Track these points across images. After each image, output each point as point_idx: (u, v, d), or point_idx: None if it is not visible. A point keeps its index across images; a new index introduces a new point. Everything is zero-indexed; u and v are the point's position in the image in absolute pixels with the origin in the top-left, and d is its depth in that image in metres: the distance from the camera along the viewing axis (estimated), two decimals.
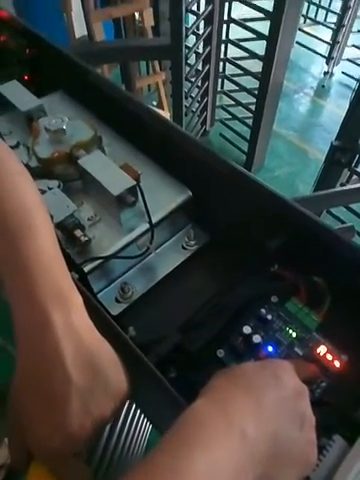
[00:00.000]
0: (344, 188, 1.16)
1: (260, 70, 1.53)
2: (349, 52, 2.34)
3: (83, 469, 0.25)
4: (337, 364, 0.32)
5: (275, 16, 1.30)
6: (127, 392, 0.26)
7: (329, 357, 0.33)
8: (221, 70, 1.85)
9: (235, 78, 1.77)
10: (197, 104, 1.84)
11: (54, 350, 0.24)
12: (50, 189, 0.41)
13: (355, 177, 1.25)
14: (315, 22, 2.47)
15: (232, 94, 1.82)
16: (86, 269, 0.38)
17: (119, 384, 0.26)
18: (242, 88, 1.73)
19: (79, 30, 1.84)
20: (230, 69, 1.81)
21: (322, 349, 0.33)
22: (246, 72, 1.67)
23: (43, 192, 0.41)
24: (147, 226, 0.41)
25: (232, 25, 1.66)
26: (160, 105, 1.97)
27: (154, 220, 0.41)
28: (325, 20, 2.49)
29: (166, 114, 1.66)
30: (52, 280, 0.25)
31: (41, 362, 0.24)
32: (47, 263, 0.26)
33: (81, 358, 0.24)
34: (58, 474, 0.24)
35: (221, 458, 0.20)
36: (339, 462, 0.27)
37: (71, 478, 0.25)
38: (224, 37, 1.70)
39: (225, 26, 1.67)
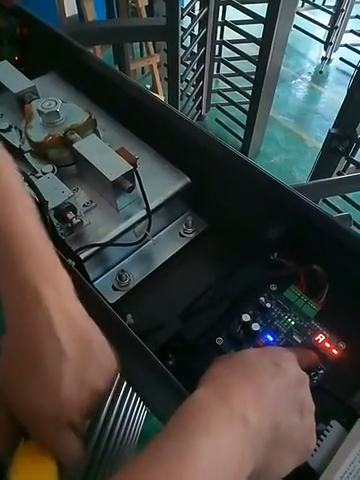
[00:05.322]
0: (342, 177, 1.16)
1: (257, 54, 1.50)
2: (348, 38, 2.29)
3: (75, 444, 0.24)
4: (335, 352, 0.33)
5: None
6: (117, 368, 0.26)
7: (327, 345, 0.33)
8: (217, 53, 1.81)
9: (231, 62, 1.73)
10: (192, 88, 1.80)
11: (47, 323, 0.23)
12: (44, 174, 0.40)
13: (352, 165, 1.24)
14: (313, 5, 2.41)
15: (228, 78, 1.78)
16: (82, 256, 0.38)
17: (110, 359, 0.26)
18: (239, 72, 1.69)
19: (69, 9, 1.77)
20: (226, 52, 1.77)
21: (320, 337, 0.33)
22: (243, 56, 1.63)
23: (38, 177, 0.39)
24: (144, 213, 0.40)
25: (229, 7, 1.61)
26: (154, 88, 1.93)
27: (151, 207, 0.40)
28: (323, 4, 2.43)
29: (160, 98, 1.62)
30: (37, 255, 0.24)
31: (33, 335, 0.23)
32: (31, 238, 0.25)
33: (74, 332, 0.24)
34: (49, 448, 0.23)
35: (224, 444, 0.20)
36: (336, 447, 0.27)
37: (63, 452, 0.24)
38: (220, 19, 1.66)
39: (221, 8, 1.63)
